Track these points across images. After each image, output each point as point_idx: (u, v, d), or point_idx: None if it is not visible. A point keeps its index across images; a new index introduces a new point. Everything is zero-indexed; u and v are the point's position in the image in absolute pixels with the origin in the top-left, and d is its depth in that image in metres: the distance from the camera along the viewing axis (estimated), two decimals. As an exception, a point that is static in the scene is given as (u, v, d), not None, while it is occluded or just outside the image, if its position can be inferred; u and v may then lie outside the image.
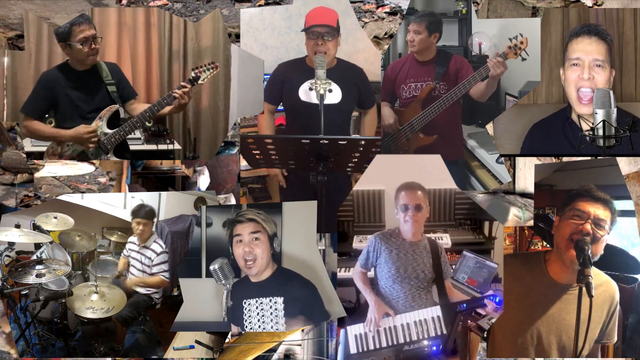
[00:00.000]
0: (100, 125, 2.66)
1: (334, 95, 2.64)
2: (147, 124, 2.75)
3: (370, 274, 2.43)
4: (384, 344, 2.35)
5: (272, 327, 2.34)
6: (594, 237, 2.19)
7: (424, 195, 2.40)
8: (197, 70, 2.64)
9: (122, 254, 2.60)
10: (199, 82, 2.64)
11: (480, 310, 2.38)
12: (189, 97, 2.63)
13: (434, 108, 2.71)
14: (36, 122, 2.68)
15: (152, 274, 2.57)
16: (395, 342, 2.34)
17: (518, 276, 2.28)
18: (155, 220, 2.60)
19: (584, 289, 2.08)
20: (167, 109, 2.66)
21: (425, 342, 2.34)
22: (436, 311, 2.35)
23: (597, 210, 2.21)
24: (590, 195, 2.24)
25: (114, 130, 2.66)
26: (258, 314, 2.33)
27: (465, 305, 2.37)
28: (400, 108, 2.81)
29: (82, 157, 2.69)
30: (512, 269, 2.31)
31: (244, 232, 2.32)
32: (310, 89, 2.62)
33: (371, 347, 2.35)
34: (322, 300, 2.37)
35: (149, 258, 2.57)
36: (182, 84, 2.61)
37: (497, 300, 2.39)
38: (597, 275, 2.22)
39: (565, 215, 2.25)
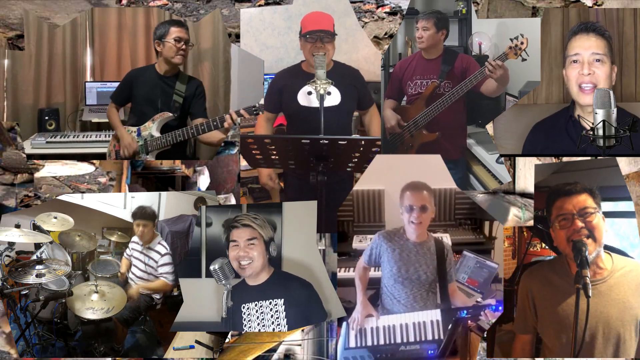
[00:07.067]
0: (150, 126, 2.72)
1: (333, 98, 2.65)
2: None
3: (378, 273, 2.42)
4: (382, 342, 2.35)
5: (273, 329, 2.34)
6: (589, 229, 2.17)
7: (430, 195, 2.38)
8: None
9: (124, 255, 2.60)
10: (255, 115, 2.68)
11: (481, 317, 2.39)
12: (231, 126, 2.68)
13: (436, 105, 2.72)
14: (112, 107, 2.85)
15: (157, 276, 2.57)
16: (392, 341, 2.35)
17: (547, 281, 2.26)
18: (156, 221, 2.59)
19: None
20: (217, 138, 2.73)
21: (422, 345, 2.34)
22: (436, 315, 2.35)
23: (577, 203, 2.19)
24: (564, 192, 2.22)
25: (160, 135, 2.71)
26: (258, 317, 2.33)
27: (465, 312, 2.36)
28: (405, 105, 2.83)
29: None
30: (540, 277, 2.29)
31: (240, 238, 2.31)
32: (309, 93, 2.64)
33: (369, 343, 2.36)
34: (320, 300, 2.37)
35: (154, 259, 2.57)
36: (242, 111, 2.62)
37: (499, 309, 2.40)
38: (622, 261, 2.20)
39: (554, 222, 2.23)
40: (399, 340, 2.34)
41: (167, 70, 2.76)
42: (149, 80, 2.78)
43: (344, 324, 2.41)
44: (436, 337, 2.33)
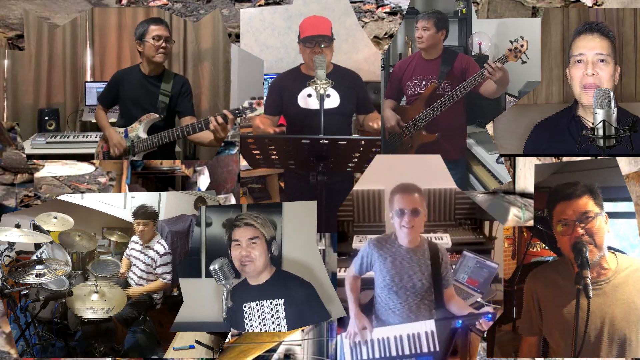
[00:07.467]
0: (137, 128, 2.71)
1: (332, 100, 2.66)
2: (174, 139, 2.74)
3: (371, 273, 2.35)
4: (377, 355, 2.30)
5: (273, 329, 2.34)
6: (590, 234, 2.16)
7: (421, 198, 2.29)
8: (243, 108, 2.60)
9: (124, 255, 2.60)
10: (244, 116, 2.63)
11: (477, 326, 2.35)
12: (226, 132, 2.62)
13: (436, 106, 2.72)
14: (100, 110, 2.84)
15: (155, 274, 2.57)
16: (387, 355, 2.28)
17: (551, 282, 2.25)
18: (157, 220, 2.60)
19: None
20: (207, 139, 2.68)
21: (418, 358, 2.28)
22: (430, 326, 2.26)
23: (577, 207, 2.18)
24: (564, 196, 2.20)
25: (147, 136, 2.70)
26: (259, 316, 2.34)
27: (460, 322, 2.30)
28: (404, 105, 2.83)
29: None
30: (544, 279, 2.27)
31: (242, 237, 2.31)
32: (309, 95, 2.64)
33: (364, 356, 2.30)
34: (321, 300, 2.36)
35: (152, 259, 2.57)
36: (225, 111, 2.58)
37: (495, 318, 2.38)
38: (627, 261, 2.18)
39: (555, 227, 2.21)
40: (394, 354, 2.27)
41: (151, 70, 2.75)
42: (134, 81, 2.76)
43: (340, 337, 2.37)
44: (431, 350, 2.26)
